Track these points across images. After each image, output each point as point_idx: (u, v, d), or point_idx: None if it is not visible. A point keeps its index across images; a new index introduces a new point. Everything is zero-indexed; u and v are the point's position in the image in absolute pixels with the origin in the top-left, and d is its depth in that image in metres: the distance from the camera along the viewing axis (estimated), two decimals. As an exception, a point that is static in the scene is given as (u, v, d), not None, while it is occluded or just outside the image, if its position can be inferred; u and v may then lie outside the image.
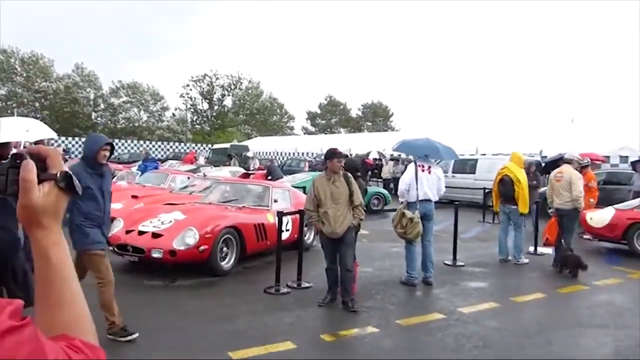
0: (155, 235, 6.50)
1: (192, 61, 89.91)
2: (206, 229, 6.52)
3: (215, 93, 58.21)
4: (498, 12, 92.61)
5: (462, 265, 8.04)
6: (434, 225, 7.18)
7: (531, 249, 9.16)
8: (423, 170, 6.99)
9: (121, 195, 9.85)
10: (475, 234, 11.72)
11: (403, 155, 20.38)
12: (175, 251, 6.28)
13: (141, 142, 38.08)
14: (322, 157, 5.48)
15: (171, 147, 37.31)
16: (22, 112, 43.46)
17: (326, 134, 57.54)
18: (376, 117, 67.72)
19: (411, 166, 7.17)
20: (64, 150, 22.18)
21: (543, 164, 11.52)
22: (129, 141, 37.39)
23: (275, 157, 30.69)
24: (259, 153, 32.11)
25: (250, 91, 57.64)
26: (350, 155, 20.55)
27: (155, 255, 6.29)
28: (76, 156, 30.00)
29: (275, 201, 8.12)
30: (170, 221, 6.75)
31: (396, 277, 7.07)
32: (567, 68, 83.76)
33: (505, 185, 8.30)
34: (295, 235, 8.44)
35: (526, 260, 8.28)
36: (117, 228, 6.83)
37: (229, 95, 58.31)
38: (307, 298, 6.01)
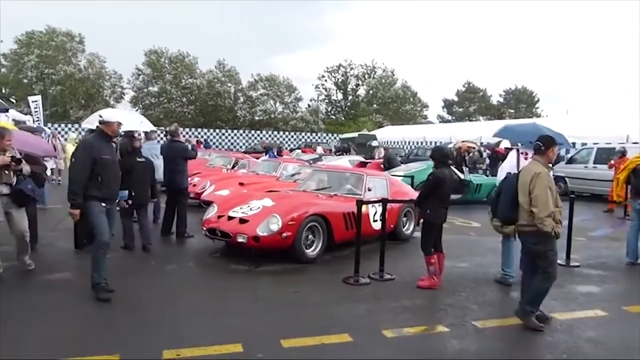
0: (242, 221, 6.70)
1: (329, 53, 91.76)
2: (291, 215, 6.56)
3: (349, 83, 58.87)
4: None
5: (577, 266, 7.15)
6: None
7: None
8: (526, 159, 6.28)
9: (231, 182, 10.40)
10: (609, 232, 10.37)
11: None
12: (259, 237, 6.40)
13: (275, 132, 40.02)
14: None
15: (303, 137, 38.62)
16: (171, 107, 48.22)
17: (463, 122, 55.15)
18: (519, 104, 63.29)
19: (513, 153, 6.49)
20: (198, 141, 23.95)
21: None
22: (264, 132, 39.48)
23: (403, 146, 30.25)
24: (388, 142, 31.81)
25: (383, 80, 57.32)
26: (449, 144, 19.45)
27: (240, 240, 6.47)
28: (216, 147, 32.50)
29: (369, 190, 7.90)
30: (259, 207, 6.91)
31: (492, 275, 6.49)
32: None
33: (638, 177, 7.17)
34: (392, 225, 8.20)
35: (657, 264, 7.10)
36: (210, 213, 7.18)
37: (362, 85, 58.64)
38: (385, 290, 5.78)
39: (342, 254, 7.24)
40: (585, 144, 18.34)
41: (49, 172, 10.56)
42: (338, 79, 59.01)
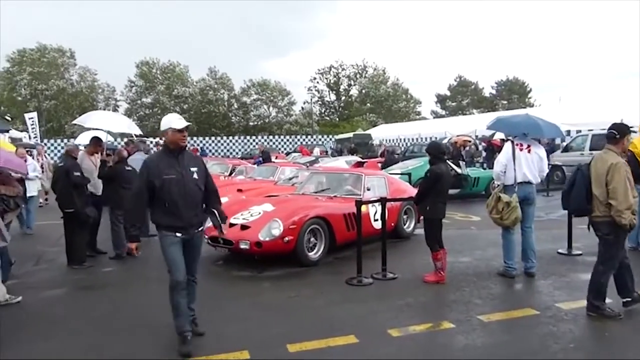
0: (244, 227, 6.71)
1: (320, 54, 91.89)
2: (292, 219, 6.56)
3: (341, 84, 58.99)
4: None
5: (579, 254, 7.16)
6: (535, 210, 6.45)
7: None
8: (521, 150, 6.30)
9: (229, 189, 10.39)
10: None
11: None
12: (261, 242, 6.41)
13: (270, 137, 40.05)
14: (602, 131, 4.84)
15: (298, 140, 38.66)
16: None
17: (456, 116, 55.25)
18: (512, 95, 63.50)
19: (508, 145, 6.49)
20: (195, 149, 23.94)
21: None
22: (259, 137, 39.50)
23: (398, 143, 30.29)
24: (384, 140, 31.87)
25: (374, 79, 57.43)
26: (444, 139, 19.43)
27: (243, 246, 6.48)
28: (212, 154, 32.46)
29: (368, 189, 7.91)
30: (259, 213, 6.92)
31: (495, 268, 6.51)
32: None
33: (630, 163, 7.19)
34: (393, 224, 8.22)
35: (661, 249, 7.12)
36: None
37: (354, 85, 58.78)
38: (388, 289, 5.79)
39: (345, 255, 7.24)
40: (580, 131, 18.38)
41: (35, 193, 9.85)
42: (330, 80, 59.12)
